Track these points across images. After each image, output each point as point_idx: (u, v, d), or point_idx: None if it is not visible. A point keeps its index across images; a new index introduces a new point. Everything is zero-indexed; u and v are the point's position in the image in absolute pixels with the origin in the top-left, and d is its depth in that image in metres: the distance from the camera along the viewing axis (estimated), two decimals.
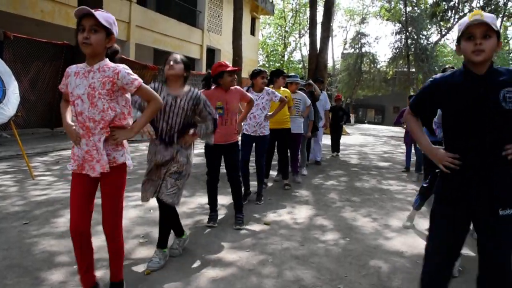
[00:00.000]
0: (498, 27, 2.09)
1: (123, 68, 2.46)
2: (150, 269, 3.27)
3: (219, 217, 4.74)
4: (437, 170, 2.36)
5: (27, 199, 5.13)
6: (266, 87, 5.59)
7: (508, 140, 2.12)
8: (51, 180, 6.25)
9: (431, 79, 2.34)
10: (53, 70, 10.55)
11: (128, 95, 2.57)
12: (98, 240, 3.23)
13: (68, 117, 2.59)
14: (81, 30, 2.37)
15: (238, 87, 4.65)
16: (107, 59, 2.49)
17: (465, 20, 2.11)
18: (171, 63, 3.37)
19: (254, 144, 5.59)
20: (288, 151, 6.71)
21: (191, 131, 3.42)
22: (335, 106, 11.54)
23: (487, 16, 2.06)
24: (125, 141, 2.60)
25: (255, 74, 5.50)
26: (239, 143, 4.75)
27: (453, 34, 40.52)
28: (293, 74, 7.63)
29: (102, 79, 2.41)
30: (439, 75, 2.33)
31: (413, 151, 8.68)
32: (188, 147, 3.44)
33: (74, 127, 2.50)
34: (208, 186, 4.59)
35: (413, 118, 2.42)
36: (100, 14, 2.36)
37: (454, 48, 2.26)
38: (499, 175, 2.13)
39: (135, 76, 2.48)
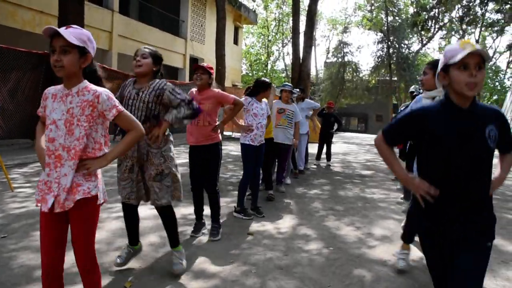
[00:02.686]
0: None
1: (104, 91, 2.25)
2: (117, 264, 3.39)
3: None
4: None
5: (5, 212, 5.02)
6: (265, 100, 5.76)
7: (488, 176, 2.08)
8: (31, 192, 6.13)
9: (409, 110, 2.19)
10: (33, 80, 10.39)
11: (107, 123, 2.36)
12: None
13: (42, 141, 2.35)
14: (52, 52, 2.16)
15: (218, 90, 4.49)
16: (86, 81, 2.27)
17: (455, 47, 1.98)
18: (138, 58, 3.20)
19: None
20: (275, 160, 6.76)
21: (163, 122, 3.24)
22: (326, 113, 11.35)
23: (478, 46, 1.95)
24: (98, 171, 2.36)
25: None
26: (221, 147, 4.55)
27: (434, 44, 41.25)
28: (286, 83, 7.60)
29: (81, 104, 2.20)
30: (417, 107, 2.20)
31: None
32: (159, 145, 3.26)
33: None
34: (192, 194, 4.59)
35: (386, 146, 2.25)
36: (70, 32, 2.14)
37: (438, 74, 2.10)
38: (482, 209, 2.07)
39: (116, 102, 2.29)
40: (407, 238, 3.91)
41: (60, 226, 2.29)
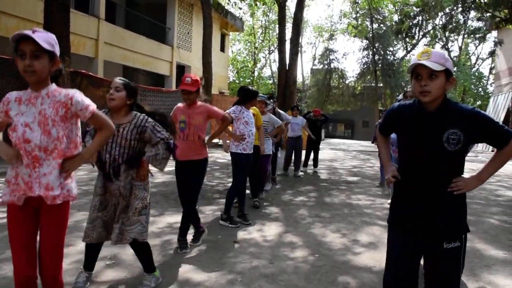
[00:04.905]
0: (447, 65, 2.08)
1: (76, 92, 2.25)
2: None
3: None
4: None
5: None
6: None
7: (452, 174, 2.18)
8: None
9: (391, 107, 2.45)
10: (18, 87, 10.26)
11: (79, 123, 2.37)
12: None
13: None
14: (21, 56, 2.12)
15: (207, 104, 4.50)
16: (54, 84, 2.27)
17: (414, 57, 2.13)
18: (111, 91, 3.08)
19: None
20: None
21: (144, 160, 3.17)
22: (313, 119, 11.39)
23: (434, 55, 2.06)
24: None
25: None
26: (207, 163, 4.57)
27: (418, 50, 41.73)
28: (261, 94, 7.73)
29: (54, 105, 2.20)
30: (397, 103, 2.41)
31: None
32: (143, 179, 3.19)
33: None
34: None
35: (381, 136, 2.63)
36: (40, 37, 2.10)
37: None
38: (445, 207, 2.18)
39: (89, 101, 2.30)
40: None
41: (31, 220, 2.27)
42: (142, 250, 3.30)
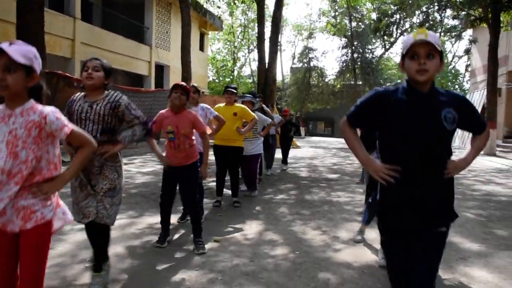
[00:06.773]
0: (441, 47, 2.08)
1: (51, 111, 2.09)
2: None
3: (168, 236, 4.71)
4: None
5: None
6: (202, 104, 5.60)
7: (446, 157, 2.18)
8: None
9: (373, 90, 2.29)
10: None
11: (57, 143, 2.21)
12: None
13: None
14: None
15: (193, 112, 4.43)
16: (32, 100, 2.10)
17: (410, 38, 2.07)
18: (90, 70, 3.05)
19: None
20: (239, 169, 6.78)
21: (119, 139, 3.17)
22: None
23: (431, 35, 2.03)
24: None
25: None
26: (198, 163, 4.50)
27: (396, 48, 42.36)
28: (247, 94, 7.77)
29: (26, 125, 2.04)
30: (382, 88, 2.33)
31: None
32: (114, 159, 3.15)
33: None
34: (160, 209, 4.48)
35: (350, 128, 2.31)
36: (15, 50, 1.95)
37: (399, 63, 2.23)
38: (439, 191, 2.16)
39: (65, 121, 2.14)
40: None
41: (10, 244, 2.13)
42: (104, 237, 3.33)
